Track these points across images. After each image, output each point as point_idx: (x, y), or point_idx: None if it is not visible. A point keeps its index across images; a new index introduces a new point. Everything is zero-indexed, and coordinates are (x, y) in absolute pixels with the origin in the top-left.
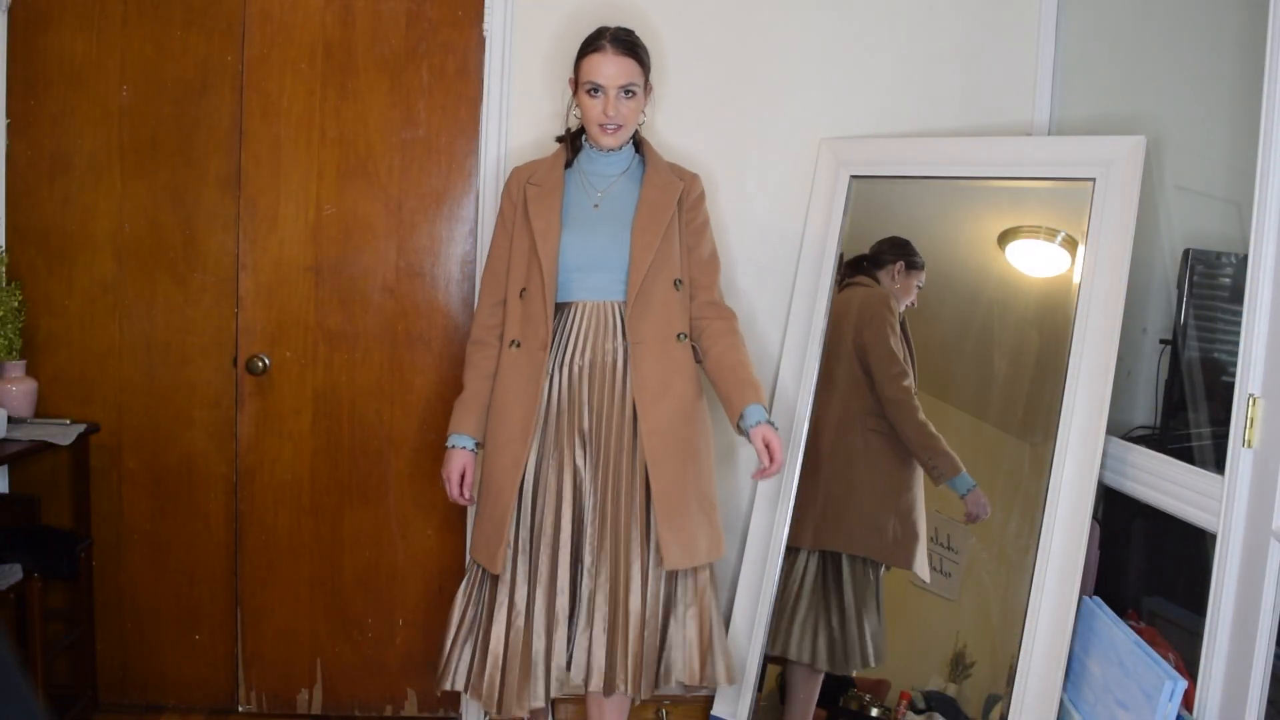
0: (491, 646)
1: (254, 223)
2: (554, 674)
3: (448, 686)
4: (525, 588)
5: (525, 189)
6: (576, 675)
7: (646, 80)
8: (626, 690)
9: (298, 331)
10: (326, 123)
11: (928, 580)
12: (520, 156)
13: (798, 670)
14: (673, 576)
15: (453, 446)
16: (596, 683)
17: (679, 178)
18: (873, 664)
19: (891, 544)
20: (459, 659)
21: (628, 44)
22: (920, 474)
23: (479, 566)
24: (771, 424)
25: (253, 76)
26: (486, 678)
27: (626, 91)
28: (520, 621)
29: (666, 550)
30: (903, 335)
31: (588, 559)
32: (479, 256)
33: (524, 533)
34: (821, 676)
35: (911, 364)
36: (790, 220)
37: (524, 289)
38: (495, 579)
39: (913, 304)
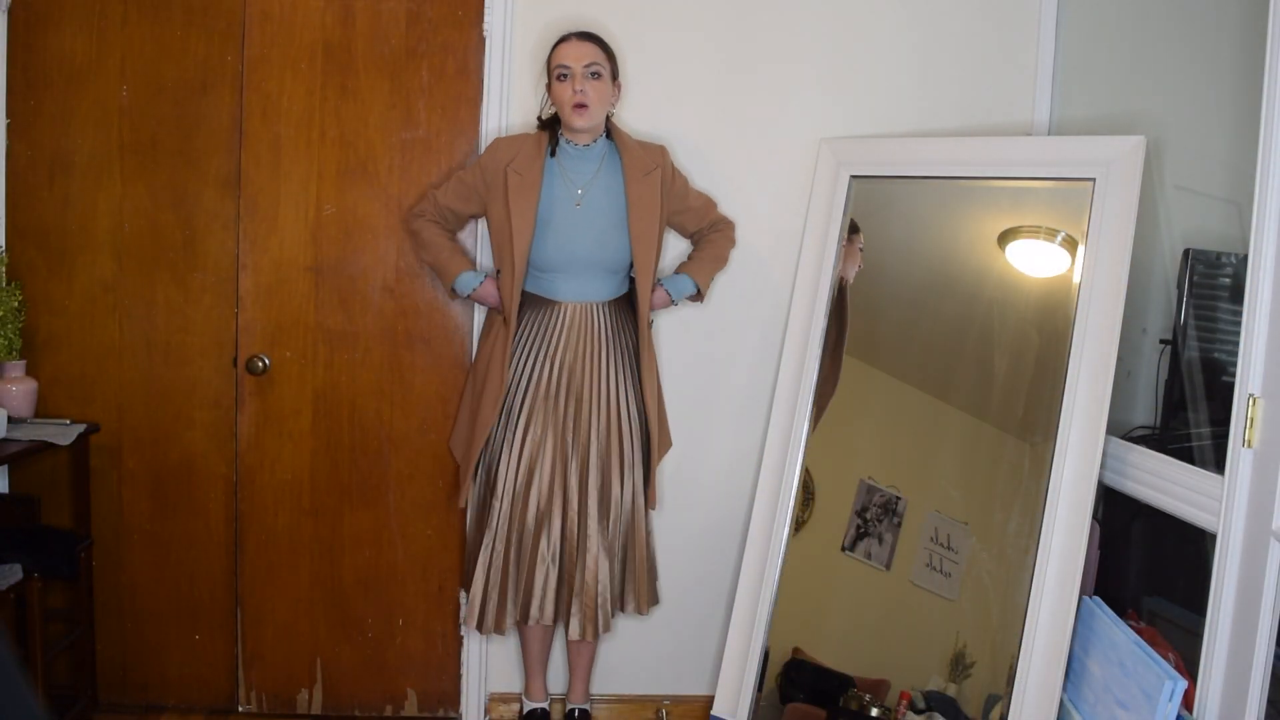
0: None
1: (254, 223)
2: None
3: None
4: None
5: (507, 174)
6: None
7: (613, 70)
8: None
9: (298, 331)
10: (326, 123)
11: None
12: None
13: None
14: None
15: (473, 290)
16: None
17: (652, 159)
18: None
19: None
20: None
21: (590, 34)
22: None
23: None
24: (669, 294)
25: (253, 76)
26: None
27: (593, 73)
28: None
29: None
30: (839, 304)
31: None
32: (479, 256)
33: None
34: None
35: (844, 333)
36: (790, 220)
37: (498, 272)
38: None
39: (860, 266)
